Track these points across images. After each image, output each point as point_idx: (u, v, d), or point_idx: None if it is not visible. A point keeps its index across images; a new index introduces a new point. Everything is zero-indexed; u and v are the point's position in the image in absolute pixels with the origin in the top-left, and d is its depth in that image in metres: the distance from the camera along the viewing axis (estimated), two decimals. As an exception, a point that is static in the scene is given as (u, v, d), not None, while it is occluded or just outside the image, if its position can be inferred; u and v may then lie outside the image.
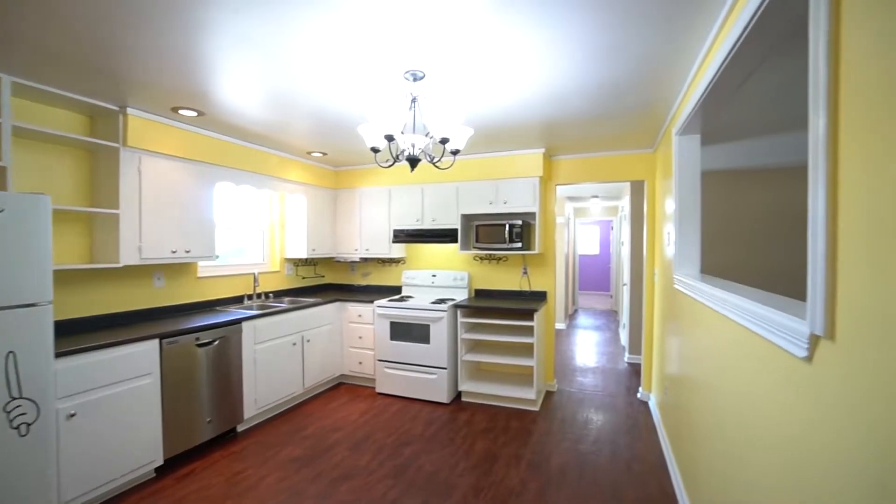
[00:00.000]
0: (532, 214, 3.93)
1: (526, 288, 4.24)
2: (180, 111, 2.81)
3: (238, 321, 3.21)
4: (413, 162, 2.14)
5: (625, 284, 5.71)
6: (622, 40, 1.86)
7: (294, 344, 3.73)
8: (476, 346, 4.23)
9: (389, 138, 1.98)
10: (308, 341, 3.90)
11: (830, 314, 0.85)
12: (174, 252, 3.04)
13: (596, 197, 7.62)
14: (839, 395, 0.82)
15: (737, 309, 1.42)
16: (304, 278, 4.77)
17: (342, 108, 2.77)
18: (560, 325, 7.33)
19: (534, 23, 1.71)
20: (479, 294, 4.42)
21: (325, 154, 4.17)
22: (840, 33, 0.85)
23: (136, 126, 2.77)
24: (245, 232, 4.18)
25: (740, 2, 1.45)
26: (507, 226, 3.87)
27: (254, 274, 4.04)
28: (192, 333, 2.86)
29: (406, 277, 4.63)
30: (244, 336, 3.25)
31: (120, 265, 2.70)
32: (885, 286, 0.69)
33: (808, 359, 0.94)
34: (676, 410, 2.70)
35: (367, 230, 4.63)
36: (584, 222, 11.16)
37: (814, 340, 0.92)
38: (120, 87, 2.41)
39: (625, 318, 5.69)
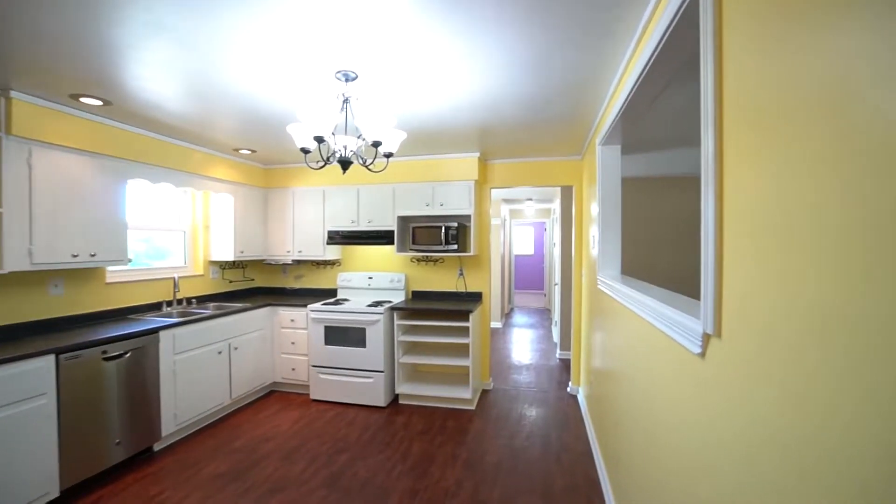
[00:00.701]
0: (468, 217, 4.01)
1: (462, 289, 4.31)
2: (82, 99, 2.53)
3: (154, 330, 2.95)
4: (345, 164, 2.09)
5: (556, 284, 6.00)
6: (545, 55, 1.96)
7: (220, 352, 3.50)
8: (413, 348, 4.23)
9: (319, 140, 1.92)
10: (236, 349, 3.68)
11: (718, 315, 0.96)
12: (76, 256, 2.73)
13: (530, 199, 7.92)
14: (727, 387, 0.92)
15: (647, 308, 1.55)
16: (231, 282, 4.49)
17: (272, 105, 2.65)
18: (496, 324, 7.54)
19: (458, 32, 1.74)
20: (416, 296, 4.43)
21: (254, 151, 3.95)
22: (724, 68, 0.95)
23: (24, 112, 2.45)
24: (164, 233, 3.85)
25: (647, 33, 1.59)
26: (444, 228, 3.91)
27: (174, 278, 3.74)
28: (98, 346, 2.58)
29: (341, 280, 4.52)
30: (162, 346, 2.99)
31: (5, 271, 2.37)
32: (760, 290, 0.79)
33: (702, 355, 1.05)
34: (600, 402, 2.89)
35: (300, 231, 4.46)
36: (520, 223, 11.57)
37: (706, 338, 1.03)
38: None
39: (556, 316, 5.97)
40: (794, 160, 0.68)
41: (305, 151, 2.09)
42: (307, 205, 4.43)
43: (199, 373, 3.31)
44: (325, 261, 4.68)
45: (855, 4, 0.54)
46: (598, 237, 2.90)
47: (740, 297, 0.86)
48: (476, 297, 4.26)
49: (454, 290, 4.33)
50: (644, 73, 1.66)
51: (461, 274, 4.31)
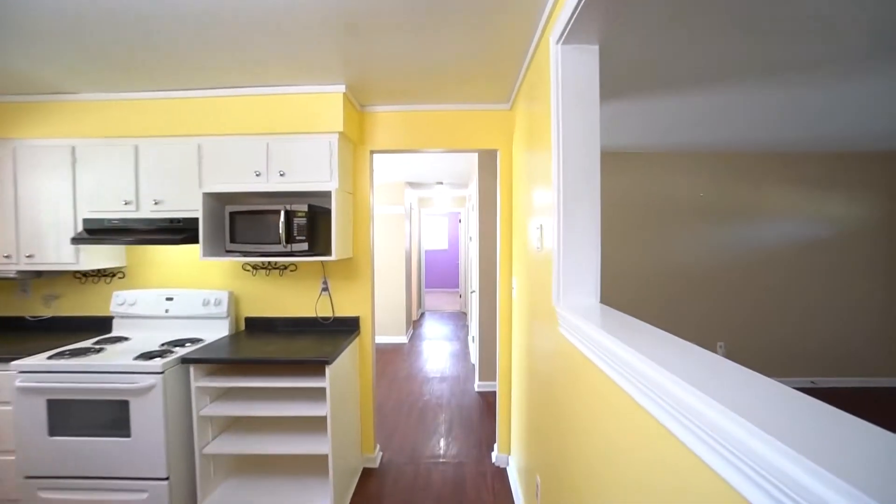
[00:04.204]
0: (327, 194, 2.36)
1: (327, 313, 2.68)
2: None
3: None
4: None
5: (473, 292, 4.62)
6: None
7: None
8: (234, 425, 2.48)
9: None
10: None
11: None
12: None
13: (441, 184, 6.48)
14: None
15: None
16: None
17: None
18: (401, 339, 6.03)
19: None
20: (252, 326, 2.70)
21: None
22: None
23: None
24: None
25: None
26: (284, 213, 2.24)
27: None
28: None
29: (117, 303, 2.63)
30: None
31: None
32: None
33: None
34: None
35: (29, 221, 2.48)
36: (431, 213, 10.14)
37: None
38: None
39: (475, 329, 4.61)
40: None
41: None
42: (42, 172, 2.47)
43: None
44: (97, 271, 2.76)
45: None
46: (556, 231, 1.47)
47: None
48: (349, 327, 2.67)
49: (313, 315, 2.68)
50: None
51: (326, 289, 2.68)
